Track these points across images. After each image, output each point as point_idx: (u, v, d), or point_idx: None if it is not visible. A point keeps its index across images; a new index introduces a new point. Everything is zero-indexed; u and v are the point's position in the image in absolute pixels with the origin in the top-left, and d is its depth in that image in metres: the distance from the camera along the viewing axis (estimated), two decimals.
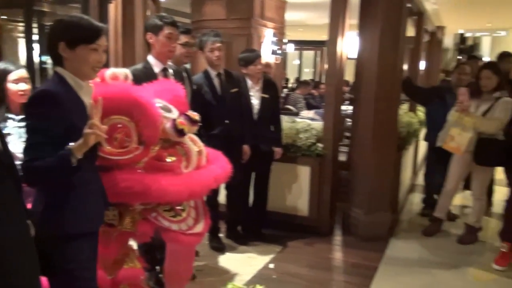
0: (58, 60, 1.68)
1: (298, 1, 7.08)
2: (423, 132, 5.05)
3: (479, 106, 3.71)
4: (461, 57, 12.21)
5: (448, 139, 3.77)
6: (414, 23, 6.09)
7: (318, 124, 4.10)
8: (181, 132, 2.08)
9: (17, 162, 1.57)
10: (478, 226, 3.93)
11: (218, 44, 3.35)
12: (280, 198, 4.06)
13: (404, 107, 5.64)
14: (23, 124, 2.07)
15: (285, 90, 9.88)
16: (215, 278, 3.18)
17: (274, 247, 3.72)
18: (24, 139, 1.62)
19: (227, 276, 3.22)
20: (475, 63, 5.08)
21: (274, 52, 5.76)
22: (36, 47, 4.82)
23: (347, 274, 3.38)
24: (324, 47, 12.34)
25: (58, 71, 1.68)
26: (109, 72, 2.04)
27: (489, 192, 4.52)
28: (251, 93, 3.66)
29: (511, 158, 3.50)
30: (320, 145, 3.90)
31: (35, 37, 4.81)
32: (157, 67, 2.67)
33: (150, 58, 2.69)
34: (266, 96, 3.69)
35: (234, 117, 3.46)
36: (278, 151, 3.74)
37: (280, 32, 6.07)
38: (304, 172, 3.98)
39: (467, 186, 4.49)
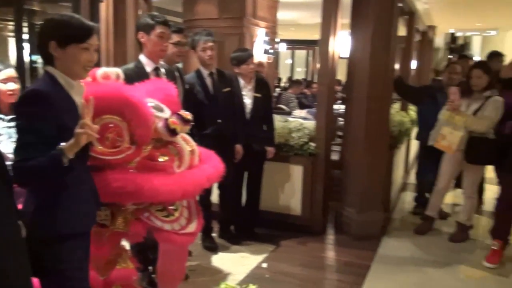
0: (48, 60, 1.66)
1: (290, 0, 7.09)
2: (414, 131, 5.08)
3: (470, 105, 3.74)
4: (452, 56, 12.30)
5: (439, 138, 3.79)
6: (406, 22, 6.13)
7: (311, 124, 4.10)
8: (173, 132, 2.08)
9: (8, 163, 1.55)
10: (469, 224, 3.96)
11: (210, 44, 3.34)
12: (272, 198, 4.06)
13: (396, 106, 5.67)
14: (13, 124, 2.05)
15: (277, 89, 9.88)
16: (208, 278, 3.18)
17: (267, 247, 3.72)
18: (14, 139, 1.60)
19: (220, 275, 3.21)
20: (465, 63, 5.13)
21: (266, 52, 5.76)
22: (27, 46, 4.79)
23: (340, 273, 3.39)
24: (316, 47, 12.35)
25: (48, 70, 1.66)
26: (101, 71, 2.03)
27: (480, 191, 4.56)
28: (243, 93, 3.66)
29: (501, 156, 3.53)
30: (312, 144, 3.91)
31: (26, 36, 4.78)
32: (149, 67, 2.66)
33: (142, 58, 2.68)
34: (258, 95, 3.69)
35: (226, 116, 3.45)
36: (270, 150, 3.74)
37: (272, 32, 6.07)
38: (296, 171, 3.99)
39: (458, 185, 4.53)
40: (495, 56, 4.97)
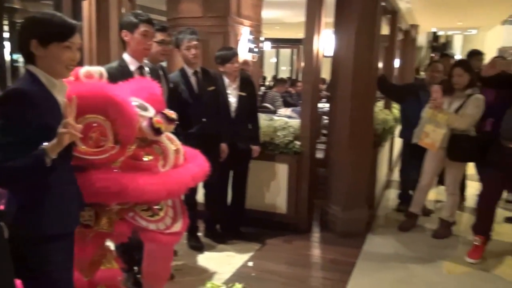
0: (30, 58, 1.63)
1: None
2: (398, 129, 5.14)
3: (451, 103, 3.80)
4: (434, 55, 12.47)
5: (423, 136, 3.84)
6: (389, 21, 6.18)
7: (296, 122, 4.12)
8: (158, 131, 2.06)
9: None
10: (452, 221, 4.02)
11: (195, 42, 3.33)
12: (258, 196, 4.07)
13: (380, 105, 5.72)
14: None
15: (262, 88, 9.90)
16: (194, 277, 3.17)
17: (253, 245, 3.73)
18: None
19: (206, 275, 3.21)
20: (447, 61, 5.19)
21: (251, 50, 5.75)
22: (7, 45, 4.71)
23: (325, 270, 3.41)
24: (301, 45, 12.41)
25: (30, 69, 1.63)
26: (84, 70, 2.01)
27: (462, 187, 4.63)
28: (228, 91, 3.65)
29: (482, 153, 3.59)
30: (297, 142, 3.93)
31: (6, 34, 4.69)
32: (132, 65, 2.64)
33: (126, 56, 2.65)
34: (243, 94, 3.69)
35: (211, 115, 3.44)
36: (255, 149, 3.74)
37: (256, 30, 6.06)
38: (282, 170, 4.00)
39: (441, 182, 4.59)
40: (475, 54, 5.06)
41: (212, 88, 3.50)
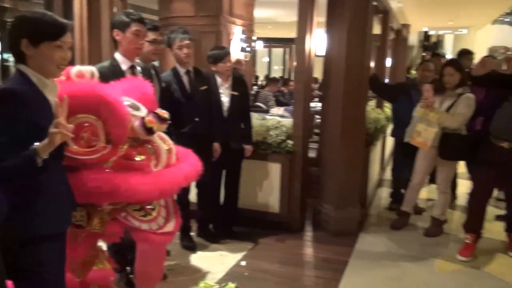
0: (20, 58, 1.62)
1: None
2: (390, 128, 5.16)
3: (443, 102, 3.82)
4: (425, 54, 12.55)
5: (415, 135, 3.86)
6: (380, 21, 6.20)
7: (288, 121, 4.12)
8: (150, 131, 2.06)
9: None
10: (443, 219, 4.05)
11: (187, 42, 3.32)
12: (251, 195, 4.07)
13: (372, 104, 5.74)
14: None
15: (254, 87, 9.90)
16: (187, 277, 3.16)
17: (246, 245, 3.73)
18: None
19: (199, 274, 3.20)
20: (438, 61, 5.23)
21: (243, 50, 5.75)
22: None
23: (318, 269, 3.42)
24: (293, 45, 12.39)
25: (21, 69, 1.62)
26: (75, 69, 2.00)
27: (453, 186, 4.66)
28: (220, 91, 3.65)
29: (473, 152, 3.61)
30: (290, 142, 3.93)
31: None
32: (124, 65, 2.63)
33: (117, 56, 2.64)
34: (235, 93, 3.68)
35: (203, 114, 3.44)
36: (248, 148, 3.74)
37: (249, 30, 6.06)
38: (274, 169, 4.01)
39: (432, 180, 4.62)
40: (465, 54, 5.10)
41: (204, 87, 3.49)
